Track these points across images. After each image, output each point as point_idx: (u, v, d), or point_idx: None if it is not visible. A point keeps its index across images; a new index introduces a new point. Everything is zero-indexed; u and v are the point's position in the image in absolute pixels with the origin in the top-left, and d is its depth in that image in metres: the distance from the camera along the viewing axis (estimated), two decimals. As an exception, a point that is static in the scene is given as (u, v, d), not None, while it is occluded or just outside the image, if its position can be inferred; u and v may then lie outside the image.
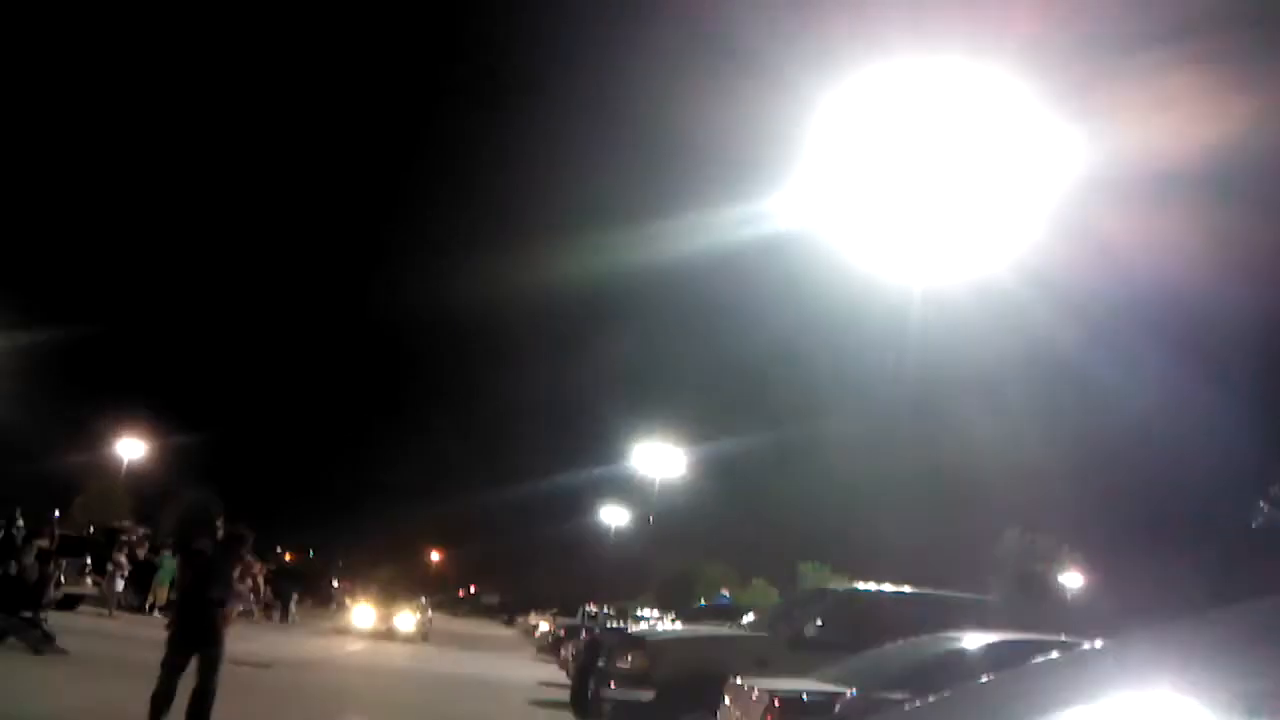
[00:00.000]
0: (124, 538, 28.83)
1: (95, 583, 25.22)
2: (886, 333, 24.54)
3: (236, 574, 9.07)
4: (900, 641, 9.05)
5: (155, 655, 8.72)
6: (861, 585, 14.47)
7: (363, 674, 20.20)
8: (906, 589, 13.57)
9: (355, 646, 27.09)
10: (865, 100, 20.94)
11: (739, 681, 8.50)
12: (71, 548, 23.81)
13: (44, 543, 18.58)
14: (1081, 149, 19.50)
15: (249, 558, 9.52)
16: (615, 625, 26.88)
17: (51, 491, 36.23)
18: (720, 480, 49.72)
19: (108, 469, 53.43)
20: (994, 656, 7.57)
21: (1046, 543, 37.93)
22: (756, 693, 7.91)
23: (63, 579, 19.32)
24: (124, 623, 23.25)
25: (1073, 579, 37.04)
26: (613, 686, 12.09)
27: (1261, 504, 23.80)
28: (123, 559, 26.81)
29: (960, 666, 7.58)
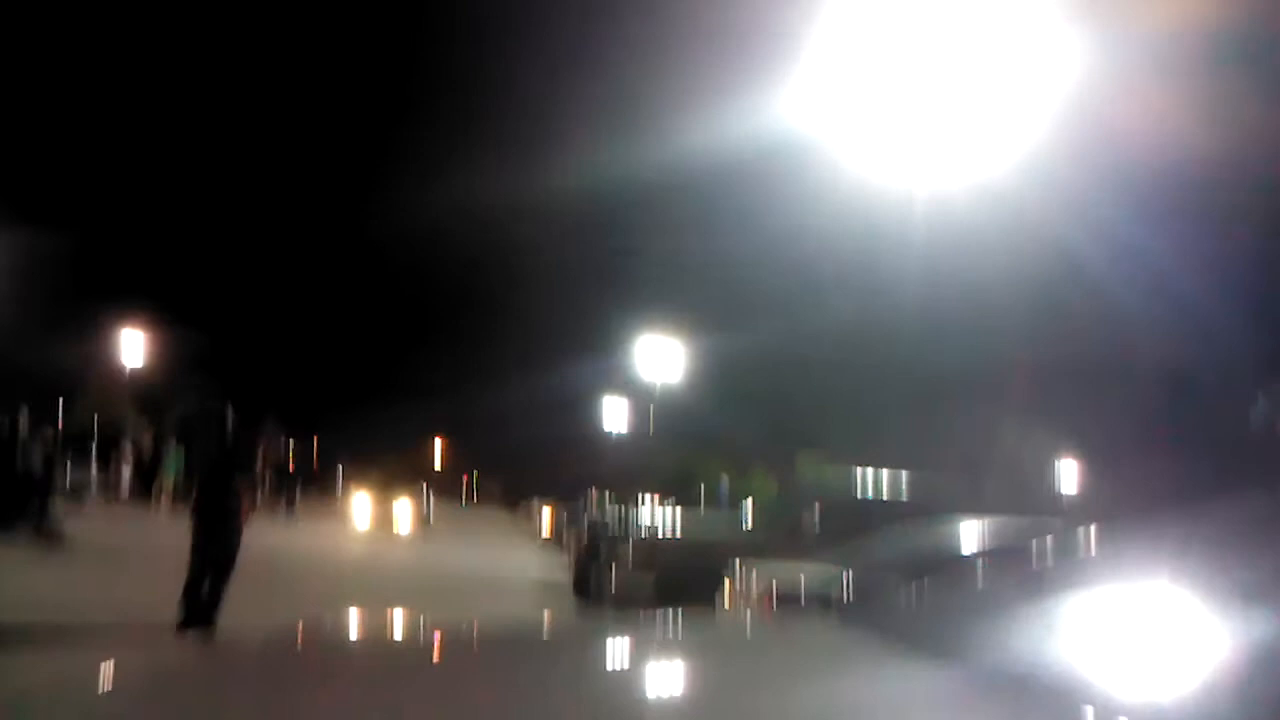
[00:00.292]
0: (128, 432, 29.02)
1: (101, 476, 25.46)
2: (888, 231, 24.34)
3: (257, 454, 9.08)
4: (897, 526, 9.14)
5: (161, 547, 8.82)
6: (857, 485, 14.50)
7: (367, 560, 20.49)
8: (902, 494, 13.53)
9: (358, 534, 27.46)
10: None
11: (737, 566, 8.63)
12: (76, 442, 23.99)
13: (49, 437, 18.69)
14: (1086, 39, 19.12)
15: (270, 435, 9.55)
16: (616, 516, 27.14)
17: (55, 386, 36.33)
18: (720, 373, 49.98)
19: (111, 363, 53.53)
20: (990, 539, 7.66)
21: (1044, 435, 38.19)
22: (755, 576, 8.03)
23: (68, 473, 19.50)
24: (130, 516, 23.51)
25: (1070, 470, 37.37)
26: (614, 574, 12.27)
27: (1260, 397, 23.88)
28: (127, 453, 27.03)
29: (956, 551, 7.68)
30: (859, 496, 12.75)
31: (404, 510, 33.82)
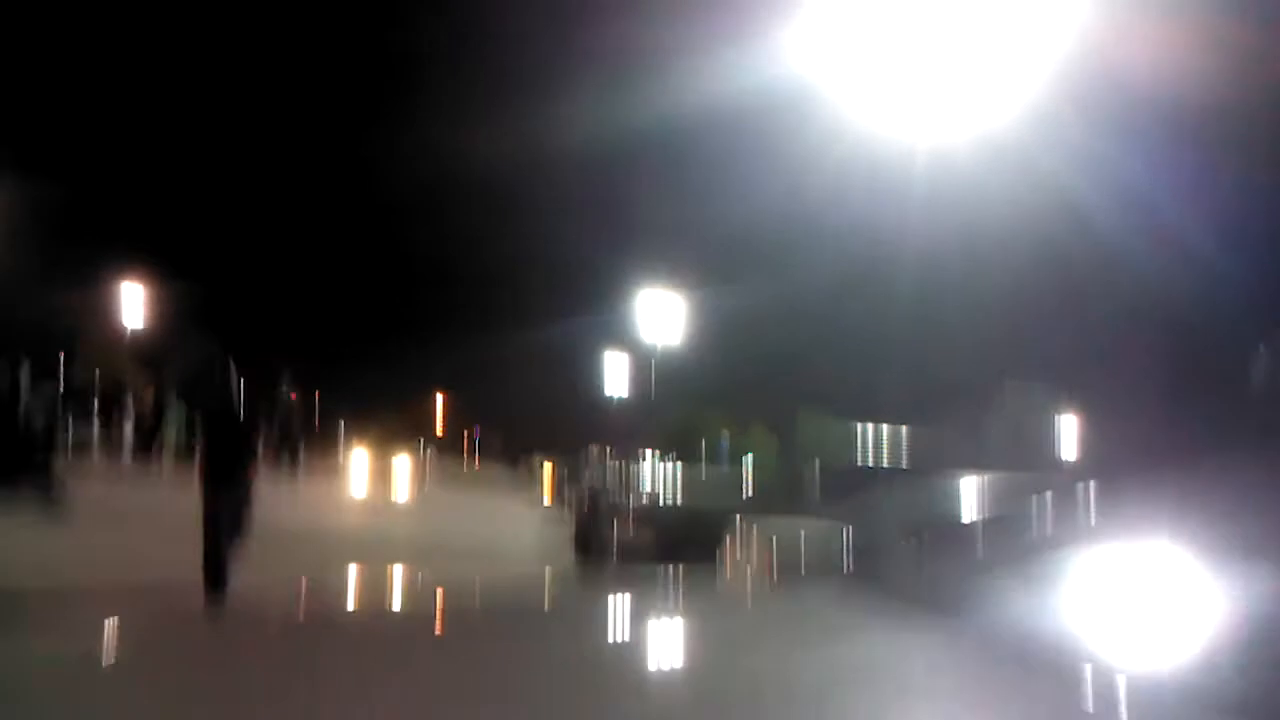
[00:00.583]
0: (129, 386, 28.98)
1: (102, 433, 25.44)
2: (890, 184, 24.20)
3: (264, 410, 9.01)
4: (895, 485, 9.17)
5: (160, 505, 8.82)
6: (858, 442, 14.55)
7: (371, 518, 20.58)
8: (902, 452, 13.60)
9: (360, 491, 27.54)
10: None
11: (736, 522, 8.66)
12: (76, 397, 23.95)
13: (48, 394, 18.66)
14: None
15: (287, 404, 9.47)
16: (616, 472, 27.23)
17: (54, 340, 36.24)
18: (721, 329, 49.89)
19: (111, 316, 53.40)
20: (990, 492, 7.67)
21: (1046, 391, 38.14)
22: (755, 531, 8.06)
23: (69, 431, 19.48)
24: (132, 474, 23.53)
25: (1071, 426, 37.38)
26: (615, 529, 12.32)
27: (1261, 351, 23.80)
28: (129, 408, 27.00)
29: (952, 505, 7.70)
30: (859, 454, 12.78)
31: (405, 466, 33.80)
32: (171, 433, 28.14)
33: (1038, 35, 19.65)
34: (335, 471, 32.43)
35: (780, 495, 11.71)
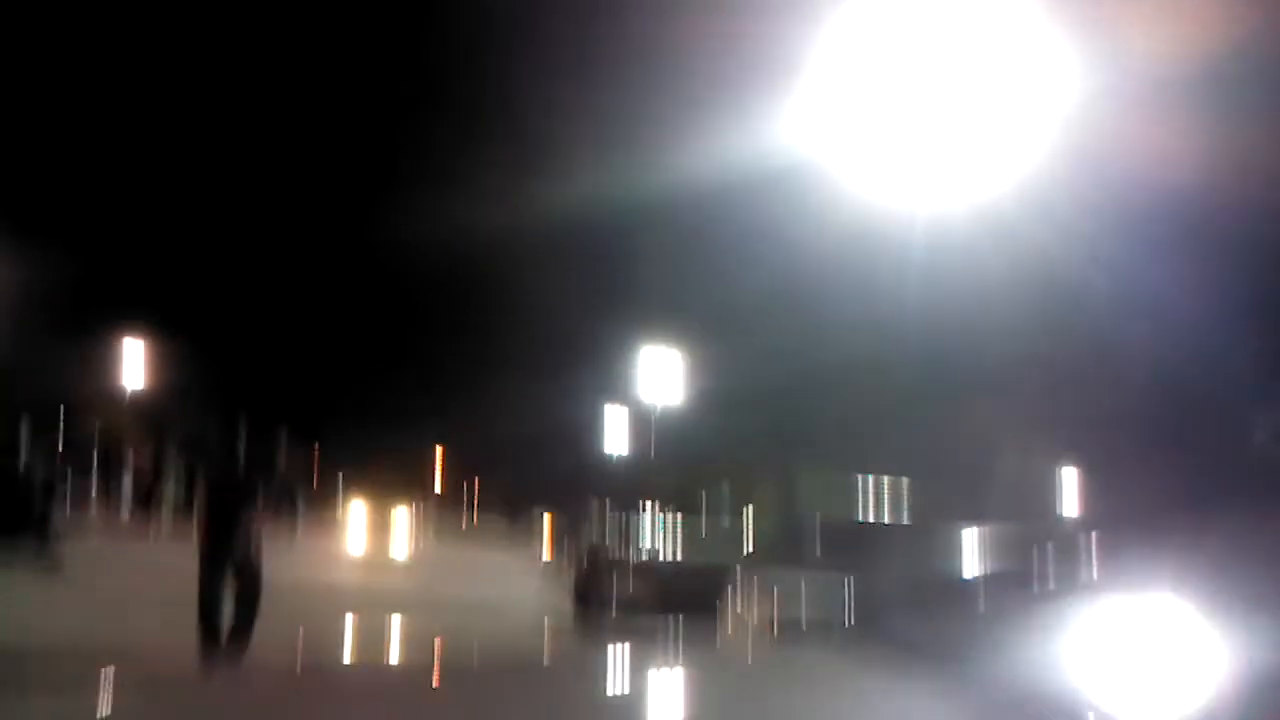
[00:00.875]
0: (128, 450, 28.93)
1: (101, 492, 25.36)
2: (888, 253, 24.39)
3: (271, 476, 8.89)
4: (896, 540, 9.16)
5: (162, 568, 8.75)
6: (859, 498, 14.54)
7: (372, 576, 20.48)
8: (903, 507, 13.60)
9: (360, 548, 27.42)
10: (863, 20, 20.59)
11: (738, 576, 8.64)
12: (75, 459, 23.92)
13: (48, 454, 18.67)
14: (1084, 63, 19.22)
15: (288, 464, 9.37)
16: (617, 528, 27.15)
17: (55, 403, 36.28)
18: (721, 385, 50.01)
19: (112, 377, 53.42)
20: (991, 552, 7.67)
21: (1046, 455, 38.06)
22: (756, 584, 8.03)
23: (68, 492, 19.44)
24: (130, 535, 23.43)
25: (1072, 487, 37.27)
26: (615, 582, 12.26)
27: (1259, 417, 23.84)
28: (128, 471, 26.95)
29: (957, 564, 7.69)
30: (860, 510, 12.77)
31: (405, 522, 33.64)
32: (171, 490, 28.09)
33: (1034, 115, 19.90)
34: (334, 527, 32.33)
35: (781, 549, 11.68)
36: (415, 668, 10.18)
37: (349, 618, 13.44)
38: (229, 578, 8.32)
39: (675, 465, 53.94)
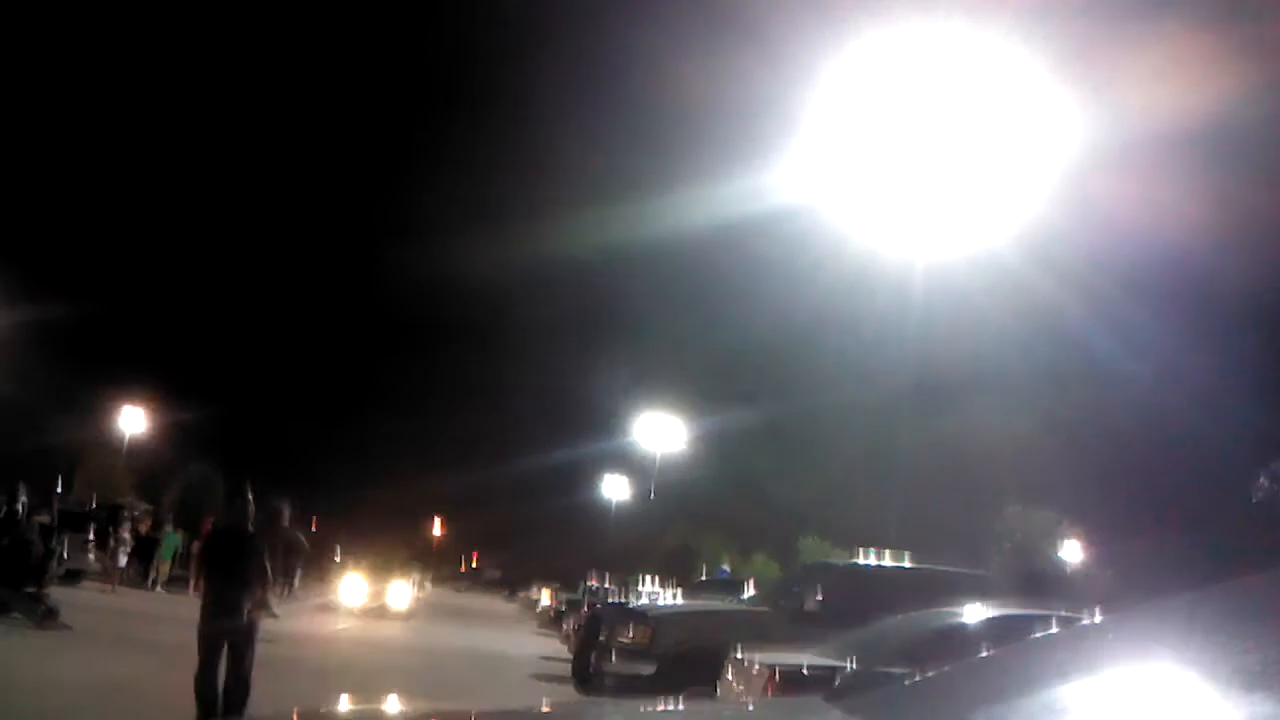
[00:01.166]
0: (126, 512, 28.88)
1: (98, 558, 25.29)
2: (887, 306, 24.50)
3: (271, 551, 8.83)
4: (900, 616, 9.08)
5: (157, 630, 8.70)
6: (861, 560, 14.52)
7: (362, 648, 20.27)
8: (906, 564, 13.64)
9: (349, 621, 27.17)
10: (865, 72, 20.87)
11: (739, 655, 8.54)
12: (74, 522, 23.86)
13: (46, 518, 18.62)
14: (1083, 118, 19.47)
15: (290, 530, 9.34)
16: (617, 599, 26.98)
17: (54, 466, 36.26)
18: (721, 454, 49.86)
19: (109, 443, 53.44)
20: (993, 630, 7.59)
21: (1046, 517, 37.98)
22: (757, 667, 7.94)
23: (65, 554, 19.39)
24: (126, 598, 23.35)
25: (1073, 553, 37.09)
26: (614, 661, 12.13)
27: (1262, 477, 23.82)
28: (125, 534, 26.88)
29: (960, 640, 7.61)
30: (862, 581, 12.69)
31: (403, 593, 33.38)
32: (169, 556, 28.01)
33: (1037, 169, 20.06)
34: (334, 593, 32.10)
35: (782, 621, 11.58)
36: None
37: (340, 694, 13.34)
38: (228, 637, 8.25)
39: (675, 537, 53.61)
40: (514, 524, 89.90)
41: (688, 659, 10.89)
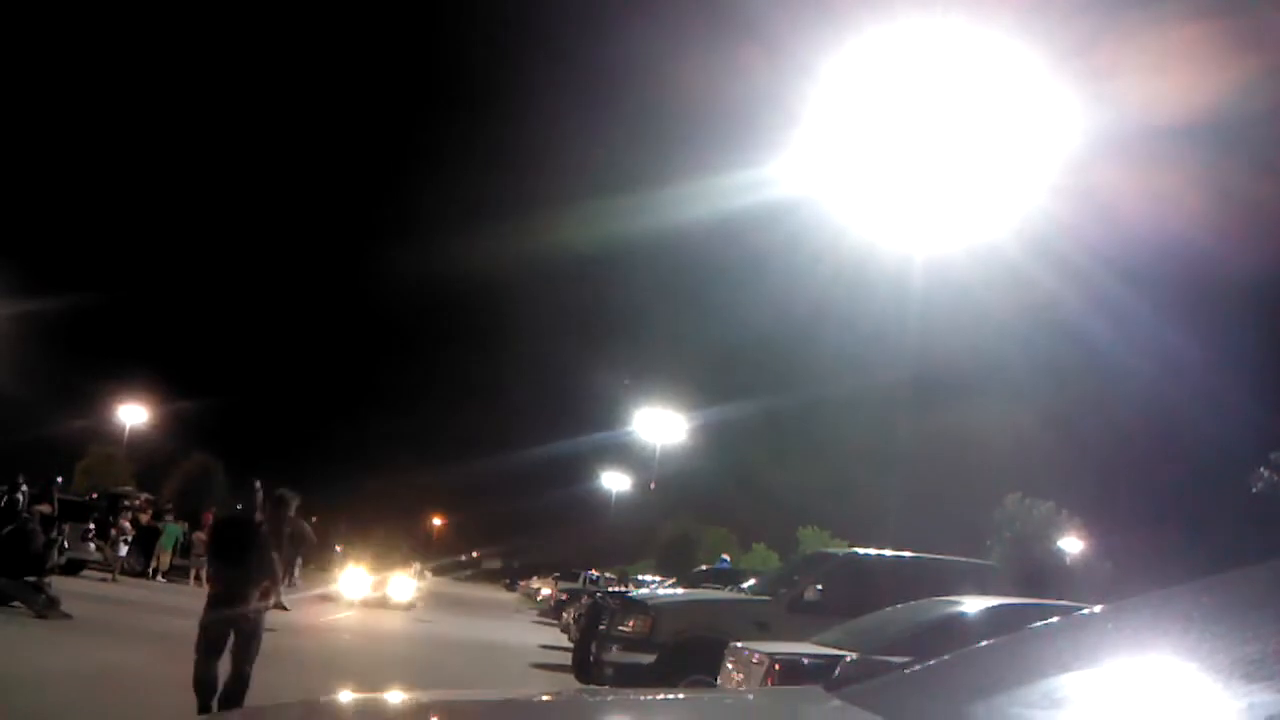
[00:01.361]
0: (127, 503, 28.90)
1: (98, 548, 25.32)
2: (887, 298, 24.48)
3: (281, 541, 8.76)
4: (900, 606, 9.09)
5: (158, 620, 8.68)
6: (861, 550, 14.53)
7: (363, 639, 20.30)
8: (906, 553, 13.66)
9: (350, 611, 27.18)
10: (864, 64, 20.83)
11: (739, 645, 8.55)
12: (74, 513, 23.86)
13: (46, 508, 18.62)
14: (1082, 111, 19.43)
15: (297, 520, 9.27)
16: (617, 590, 27.02)
17: (54, 457, 36.31)
18: (721, 445, 49.88)
19: (110, 434, 53.51)
20: (993, 621, 7.60)
21: (1046, 508, 38.03)
22: (756, 657, 7.95)
23: (66, 544, 19.40)
24: (127, 588, 23.37)
25: (1072, 544, 37.14)
26: (614, 650, 12.14)
27: (1261, 469, 23.82)
28: (126, 524, 26.89)
29: (959, 631, 7.62)
30: (862, 571, 12.70)
31: (403, 583, 33.34)
32: (169, 548, 28.03)
33: (1035, 161, 20.01)
34: (331, 588, 32.10)
35: (782, 613, 11.59)
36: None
37: (340, 686, 13.34)
38: (233, 628, 8.19)
39: (675, 530, 53.61)
40: (514, 515, 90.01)
41: (688, 648, 10.92)
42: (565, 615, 27.82)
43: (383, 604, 30.46)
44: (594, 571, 44.27)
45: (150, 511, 30.59)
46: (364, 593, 31.15)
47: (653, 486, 50.98)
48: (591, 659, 13.73)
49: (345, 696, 4.74)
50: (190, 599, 17.22)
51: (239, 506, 8.79)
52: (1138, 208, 20.09)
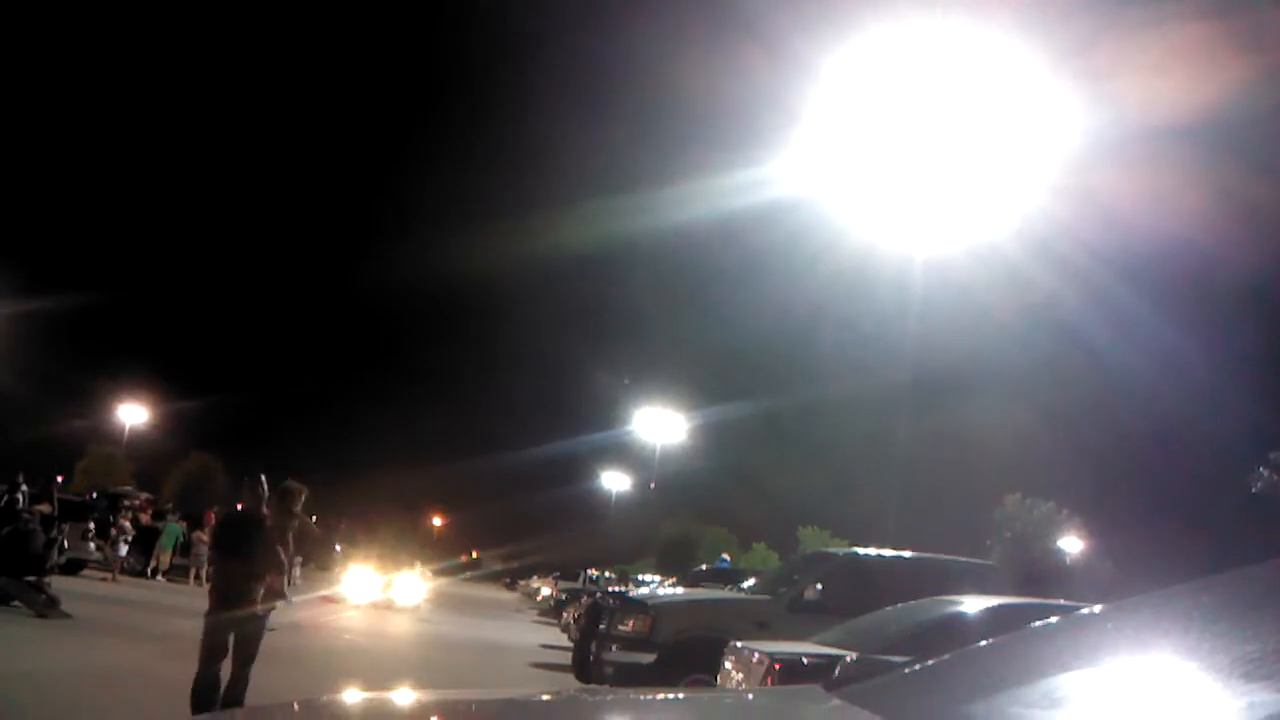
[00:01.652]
0: (127, 503, 28.91)
1: (98, 548, 25.32)
2: (887, 298, 24.47)
3: (287, 537, 8.68)
4: (900, 605, 9.09)
5: (158, 619, 8.66)
6: (861, 549, 14.53)
7: (364, 638, 20.30)
8: (906, 553, 13.66)
9: (353, 611, 27.18)
10: (864, 65, 20.82)
11: (739, 645, 8.55)
12: (74, 512, 23.86)
13: (46, 507, 18.61)
14: (1082, 111, 19.43)
15: (303, 516, 9.21)
16: (616, 589, 27.03)
17: (54, 456, 36.30)
18: (721, 446, 49.85)
19: (110, 434, 53.52)
20: (993, 621, 7.60)
21: (1046, 508, 38.01)
22: (756, 656, 7.95)
23: (66, 544, 19.40)
24: (127, 587, 23.38)
25: (1072, 544, 37.12)
26: (614, 650, 12.14)
27: (1261, 469, 23.80)
28: (126, 524, 26.89)
29: (959, 631, 7.62)
30: (862, 571, 12.70)
31: (403, 583, 33.30)
32: (169, 547, 28.03)
33: (1031, 156, 20.00)
34: (332, 588, 32.08)
35: (782, 612, 11.59)
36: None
37: (344, 686, 13.34)
38: (236, 626, 8.14)
39: (675, 529, 53.58)
40: (515, 515, 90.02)
41: (687, 648, 10.92)
42: (565, 615, 27.83)
43: (382, 603, 30.41)
44: (594, 571, 44.27)
45: (150, 511, 30.61)
46: (364, 591, 31.06)
47: (653, 486, 50.97)
48: (591, 659, 13.73)
49: (346, 696, 4.74)
50: (190, 599, 17.24)
51: (242, 502, 8.74)
52: (1138, 208, 20.07)
